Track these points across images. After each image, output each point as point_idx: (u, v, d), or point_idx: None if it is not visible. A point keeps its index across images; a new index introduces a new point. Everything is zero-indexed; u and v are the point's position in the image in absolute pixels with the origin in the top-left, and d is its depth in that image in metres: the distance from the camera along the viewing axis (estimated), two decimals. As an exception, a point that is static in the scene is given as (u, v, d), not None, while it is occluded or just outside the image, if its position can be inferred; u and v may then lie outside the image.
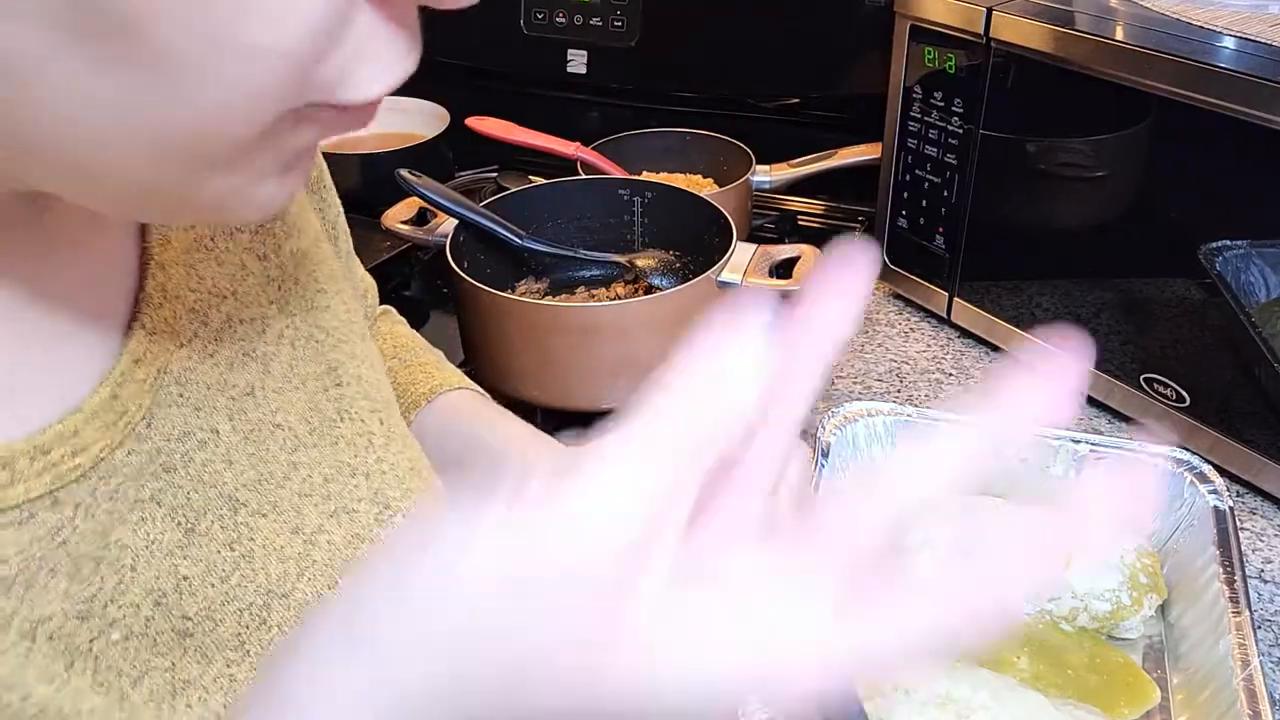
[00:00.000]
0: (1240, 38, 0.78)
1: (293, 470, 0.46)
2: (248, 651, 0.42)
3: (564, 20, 1.38)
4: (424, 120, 1.35)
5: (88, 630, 0.37)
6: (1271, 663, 0.71)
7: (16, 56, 0.26)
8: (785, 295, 0.96)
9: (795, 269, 0.95)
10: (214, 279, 0.44)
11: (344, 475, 0.48)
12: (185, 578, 0.41)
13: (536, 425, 0.69)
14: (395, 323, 0.73)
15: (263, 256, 0.47)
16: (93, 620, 0.38)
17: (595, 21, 1.37)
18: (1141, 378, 0.89)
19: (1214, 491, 0.74)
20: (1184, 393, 0.86)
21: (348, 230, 0.58)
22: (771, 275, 0.96)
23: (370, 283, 0.67)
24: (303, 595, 0.44)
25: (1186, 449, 0.79)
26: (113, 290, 0.41)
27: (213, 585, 0.42)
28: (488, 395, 0.66)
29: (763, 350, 0.28)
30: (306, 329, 0.49)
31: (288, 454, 0.46)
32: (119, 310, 0.41)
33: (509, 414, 0.64)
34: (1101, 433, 0.91)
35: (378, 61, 0.31)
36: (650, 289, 1.05)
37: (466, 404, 0.65)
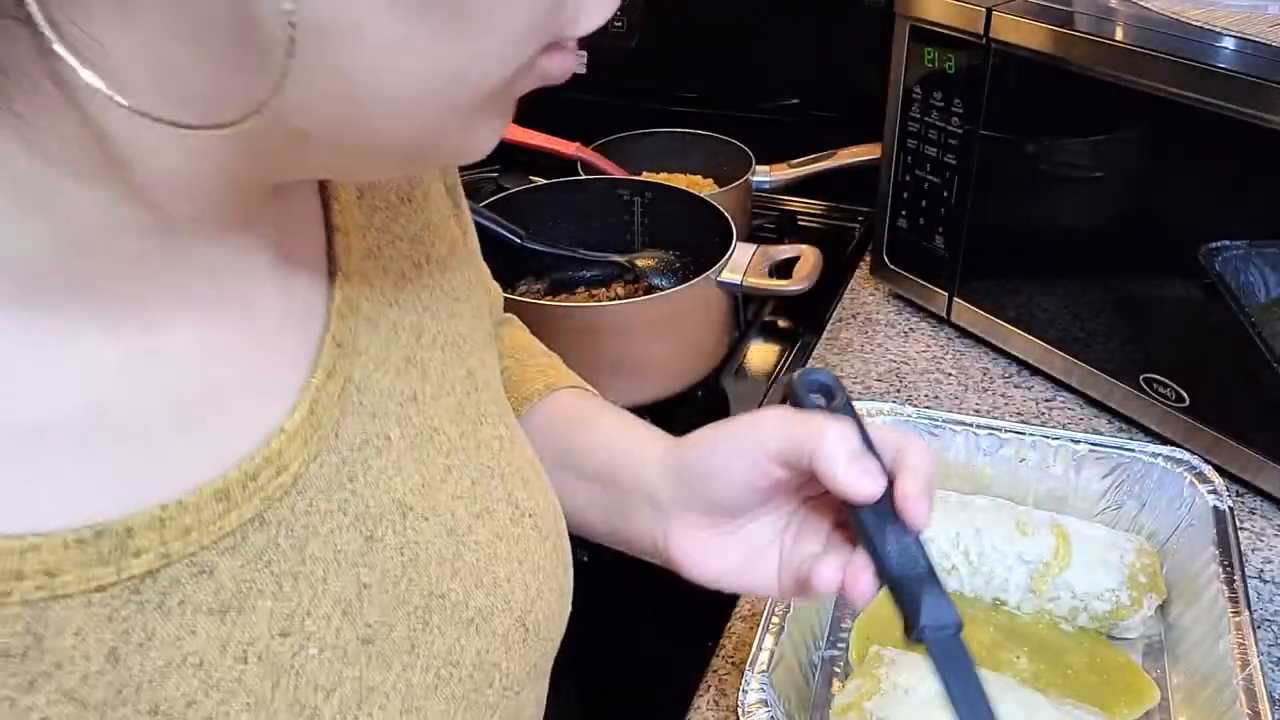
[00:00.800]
0: (1240, 38, 0.78)
1: (447, 474, 0.46)
2: (419, 654, 0.43)
3: (564, 20, 1.38)
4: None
5: (289, 647, 0.38)
6: (1271, 662, 0.71)
7: (345, 14, 0.28)
8: (785, 296, 0.96)
9: (795, 269, 0.95)
10: (382, 287, 0.45)
11: (486, 478, 0.49)
12: (366, 585, 0.41)
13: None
14: (517, 329, 0.73)
15: (417, 264, 0.48)
16: (293, 637, 0.38)
17: (595, 22, 1.37)
18: (1141, 378, 0.89)
19: (1214, 491, 0.74)
20: (1184, 393, 0.86)
21: (475, 235, 0.58)
22: (771, 275, 0.96)
23: (497, 290, 0.68)
24: (456, 596, 0.45)
25: (1186, 449, 0.79)
26: (304, 303, 0.41)
27: (387, 591, 0.42)
28: (597, 394, 0.66)
29: None
30: (451, 335, 0.49)
31: (443, 458, 0.46)
32: (313, 323, 0.41)
33: (615, 411, 0.63)
34: (1101, 433, 0.91)
35: None
36: (650, 289, 1.05)
37: (575, 402, 0.64)
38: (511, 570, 0.48)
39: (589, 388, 0.66)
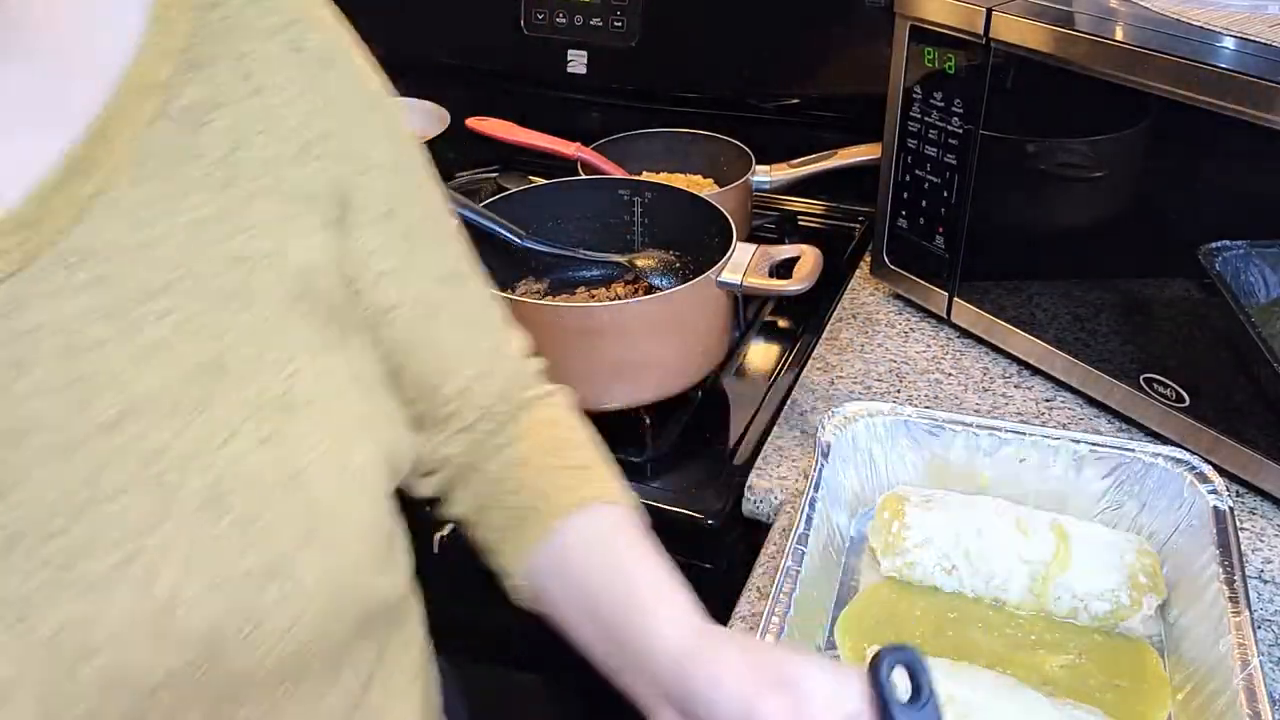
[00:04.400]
0: (1240, 38, 0.78)
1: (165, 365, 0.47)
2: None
3: (564, 20, 1.38)
4: (424, 120, 1.35)
5: None
6: (1271, 662, 0.71)
7: None
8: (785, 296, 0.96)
9: (795, 269, 0.95)
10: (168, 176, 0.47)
11: (207, 374, 0.48)
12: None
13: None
14: (557, 408, 0.67)
15: (225, 183, 0.49)
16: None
17: (595, 22, 1.37)
18: (1141, 378, 0.89)
19: (1214, 491, 0.74)
20: (1184, 393, 0.86)
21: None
22: (771, 275, 0.96)
23: (520, 365, 0.66)
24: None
25: (1186, 449, 0.79)
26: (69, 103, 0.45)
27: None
28: (633, 508, 0.61)
29: None
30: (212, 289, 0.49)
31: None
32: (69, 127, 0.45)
33: (645, 549, 0.58)
34: (1101, 432, 0.91)
35: None
36: (650, 289, 1.05)
37: (608, 530, 0.59)
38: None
39: (623, 498, 0.61)
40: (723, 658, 0.50)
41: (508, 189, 1.15)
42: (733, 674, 0.49)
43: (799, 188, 1.29)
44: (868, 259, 1.17)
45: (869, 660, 0.48)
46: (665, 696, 0.52)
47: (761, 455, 0.92)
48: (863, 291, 1.15)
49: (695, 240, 1.04)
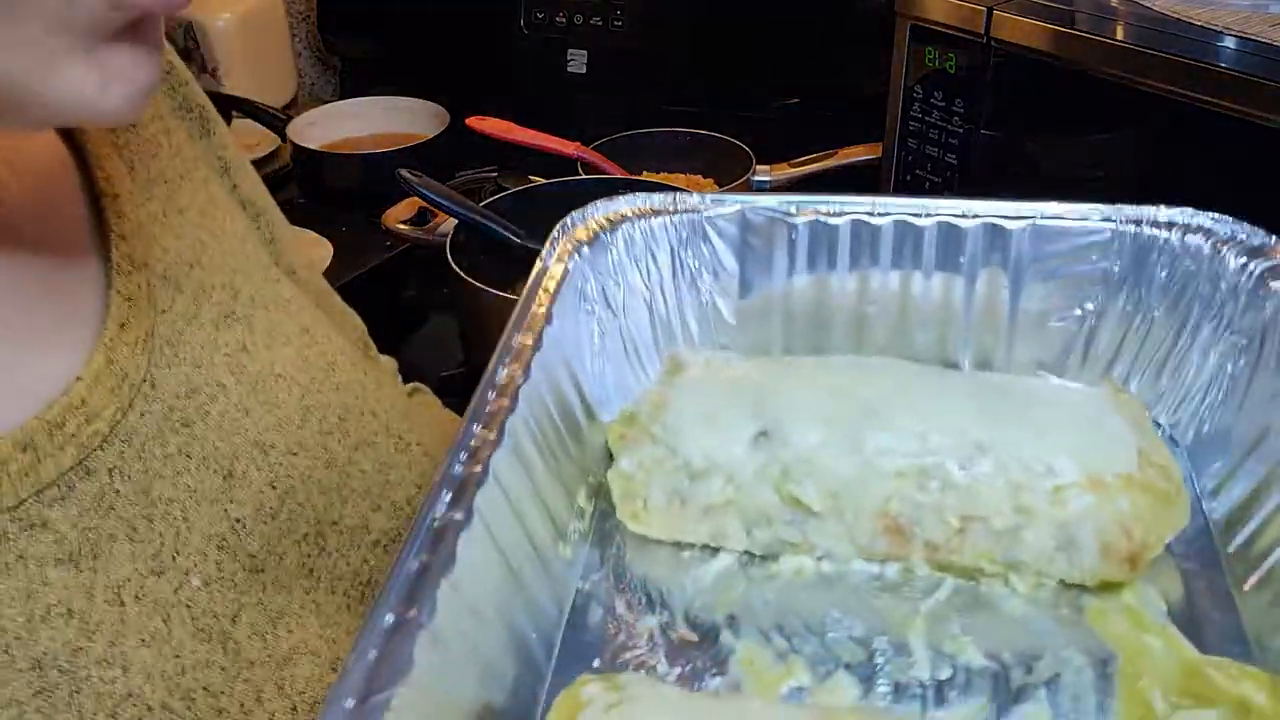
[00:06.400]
0: (1240, 37, 0.78)
1: (308, 414, 0.49)
2: (319, 578, 0.46)
3: (564, 20, 1.38)
4: (424, 120, 1.35)
5: (168, 583, 0.40)
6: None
7: None
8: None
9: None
10: (177, 250, 0.47)
11: (354, 415, 0.51)
12: (238, 520, 0.44)
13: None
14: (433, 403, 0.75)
15: (214, 234, 0.50)
16: (168, 574, 0.40)
17: (595, 21, 1.37)
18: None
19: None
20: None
21: (278, 221, 0.61)
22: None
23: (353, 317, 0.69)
24: (351, 521, 0.48)
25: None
26: (80, 273, 0.44)
27: (265, 523, 0.45)
28: None
29: None
30: (272, 294, 0.52)
31: (296, 400, 0.49)
32: (94, 289, 0.44)
33: None
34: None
35: None
36: (650, 289, 1.05)
37: None
38: (410, 494, 0.51)
39: None
40: None
41: (508, 189, 1.15)
42: None
43: (799, 188, 1.29)
44: (868, 259, 1.17)
45: None
46: None
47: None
48: (863, 291, 1.15)
49: (695, 240, 1.04)
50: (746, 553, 0.47)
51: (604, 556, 0.48)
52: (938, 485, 0.44)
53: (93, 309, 0.43)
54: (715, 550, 0.48)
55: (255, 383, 0.47)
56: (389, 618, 0.33)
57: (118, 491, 0.40)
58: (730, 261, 0.56)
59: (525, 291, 0.50)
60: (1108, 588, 0.45)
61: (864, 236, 0.55)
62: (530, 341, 0.47)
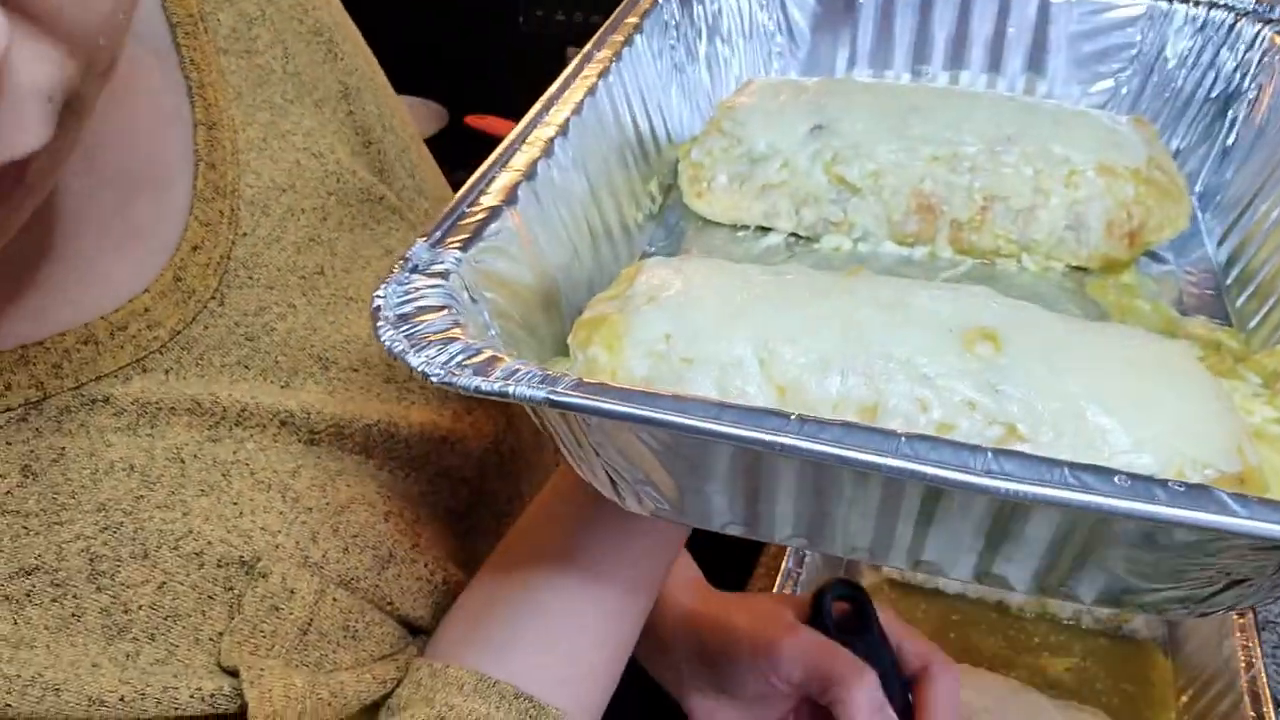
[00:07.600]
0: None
1: (374, 337, 0.49)
2: (382, 457, 0.48)
3: (563, 18, 1.38)
4: (423, 119, 1.35)
5: (233, 442, 0.43)
6: (1275, 665, 0.71)
7: None
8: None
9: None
10: (271, 174, 0.48)
11: None
12: (296, 411, 0.45)
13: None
14: None
15: (316, 155, 0.51)
16: (224, 442, 0.43)
17: (595, 19, 1.37)
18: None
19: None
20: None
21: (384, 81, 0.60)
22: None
23: None
24: (408, 432, 0.49)
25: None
26: (168, 193, 0.45)
27: (326, 419, 0.46)
28: None
29: None
30: (361, 217, 0.52)
31: (366, 321, 0.49)
32: (179, 210, 0.45)
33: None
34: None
35: None
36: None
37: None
38: (472, 404, 0.52)
39: None
40: (731, 609, 0.57)
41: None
42: (744, 619, 0.55)
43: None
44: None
45: (814, 592, 0.55)
46: (689, 671, 0.56)
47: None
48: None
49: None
50: (793, 234, 0.52)
51: (669, 232, 0.53)
52: (968, 167, 0.50)
53: (175, 229, 0.45)
54: (766, 231, 0.53)
55: (327, 304, 0.49)
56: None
57: (171, 386, 0.42)
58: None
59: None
60: (1109, 269, 0.49)
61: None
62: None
